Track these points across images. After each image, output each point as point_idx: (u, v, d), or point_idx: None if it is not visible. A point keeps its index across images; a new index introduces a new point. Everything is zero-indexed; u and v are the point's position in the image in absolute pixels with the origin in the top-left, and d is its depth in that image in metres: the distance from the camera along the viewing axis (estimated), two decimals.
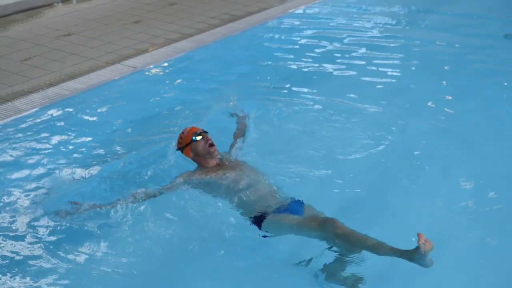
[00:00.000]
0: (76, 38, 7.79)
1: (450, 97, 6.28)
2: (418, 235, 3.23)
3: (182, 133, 4.31)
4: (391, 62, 7.29)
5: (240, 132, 4.83)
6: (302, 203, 3.95)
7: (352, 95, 6.18)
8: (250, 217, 3.89)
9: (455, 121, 5.71)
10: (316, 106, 5.94)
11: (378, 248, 3.42)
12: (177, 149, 4.35)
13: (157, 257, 3.91)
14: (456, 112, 5.88)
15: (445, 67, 7.18)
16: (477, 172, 4.81)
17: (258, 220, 3.84)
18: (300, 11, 9.17)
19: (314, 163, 4.82)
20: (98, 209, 3.96)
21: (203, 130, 4.29)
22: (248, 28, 8.31)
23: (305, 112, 5.82)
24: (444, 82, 6.70)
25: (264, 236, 3.84)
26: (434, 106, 6.05)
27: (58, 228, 3.99)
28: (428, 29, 8.67)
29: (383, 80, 6.73)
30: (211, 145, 4.19)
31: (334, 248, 3.61)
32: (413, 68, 7.20)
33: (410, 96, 6.31)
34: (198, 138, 4.20)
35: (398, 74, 6.97)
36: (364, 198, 4.48)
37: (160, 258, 3.90)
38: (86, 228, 3.98)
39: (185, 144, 4.24)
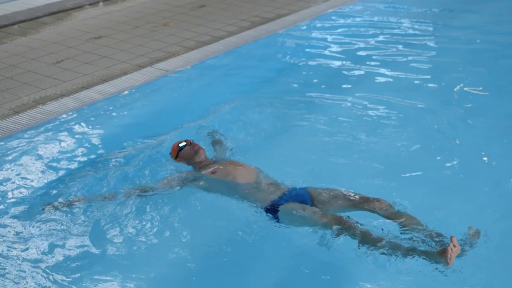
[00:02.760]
0: (107, 40, 7.77)
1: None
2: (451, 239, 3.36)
3: (170, 149, 4.68)
4: (425, 60, 7.22)
5: (217, 139, 5.05)
6: (305, 188, 4.11)
7: (388, 95, 6.13)
8: (262, 208, 4.02)
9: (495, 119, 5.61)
10: (351, 107, 5.91)
11: (398, 248, 3.50)
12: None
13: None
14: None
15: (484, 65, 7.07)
16: None
17: (272, 210, 3.96)
18: (330, 13, 9.04)
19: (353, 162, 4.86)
20: (91, 202, 4.20)
21: (186, 139, 4.64)
22: (279, 30, 8.22)
23: (339, 113, 5.78)
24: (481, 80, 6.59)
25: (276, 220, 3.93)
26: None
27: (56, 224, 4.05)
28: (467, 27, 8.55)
29: (420, 78, 6.66)
30: (195, 145, 4.53)
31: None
32: (448, 66, 7.09)
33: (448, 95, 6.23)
34: (183, 145, 4.56)
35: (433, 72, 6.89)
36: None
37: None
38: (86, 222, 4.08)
39: (175, 157, 4.60)
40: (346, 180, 4.41)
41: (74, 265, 3.75)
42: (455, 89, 6.31)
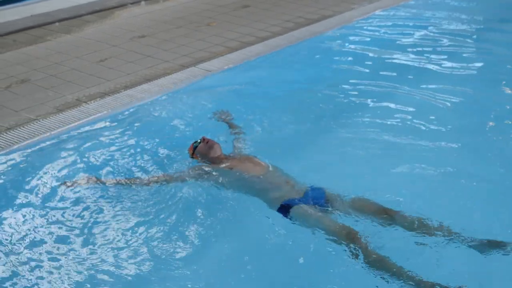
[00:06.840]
0: (150, 40, 7.72)
1: None
2: None
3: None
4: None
5: (235, 131, 5.08)
6: (321, 189, 4.04)
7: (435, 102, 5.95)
8: (275, 207, 3.97)
9: None
10: (397, 110, 5.76)
11: (400, 275, 3.36)
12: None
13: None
14: None
15: None
16: None
17: (284, 210, 3.93)
18: (375, 14, 8.86)
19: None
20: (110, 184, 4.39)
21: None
22: (323, 32, 8.06)
23: (385, 116, 5.64)
24: None
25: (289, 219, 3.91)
26: None
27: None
28: None
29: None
30: (209, 141, 4.54)
31: None
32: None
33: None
34: (198, 142, 4.58)
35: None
36: None
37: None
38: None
39: (191, 155, 4.64)
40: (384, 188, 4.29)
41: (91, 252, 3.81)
42: None
